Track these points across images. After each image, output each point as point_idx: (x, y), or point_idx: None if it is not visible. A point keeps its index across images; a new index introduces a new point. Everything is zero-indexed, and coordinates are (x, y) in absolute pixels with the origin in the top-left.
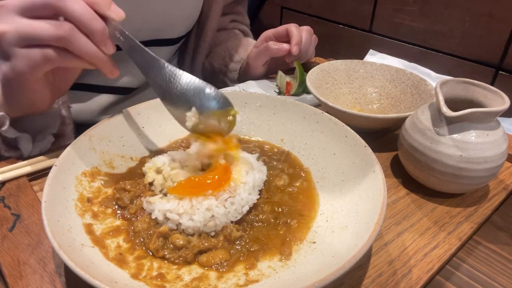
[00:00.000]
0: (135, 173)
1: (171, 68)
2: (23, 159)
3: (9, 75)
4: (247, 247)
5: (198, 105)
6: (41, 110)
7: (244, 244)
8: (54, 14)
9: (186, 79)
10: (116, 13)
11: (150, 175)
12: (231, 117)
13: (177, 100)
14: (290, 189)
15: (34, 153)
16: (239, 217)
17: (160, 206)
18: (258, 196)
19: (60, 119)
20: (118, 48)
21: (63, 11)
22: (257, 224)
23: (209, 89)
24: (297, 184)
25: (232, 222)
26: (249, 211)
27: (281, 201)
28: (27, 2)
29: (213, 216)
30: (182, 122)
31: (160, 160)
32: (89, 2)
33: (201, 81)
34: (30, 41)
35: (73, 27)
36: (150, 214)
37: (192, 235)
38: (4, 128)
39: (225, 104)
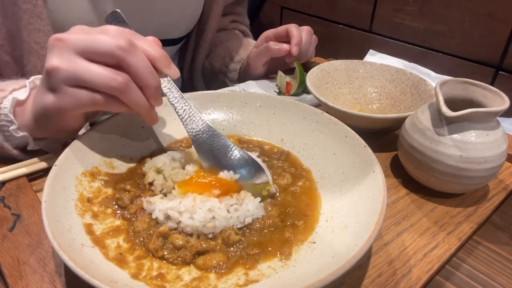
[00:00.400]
0: (135, 173)
1: (215, 131)
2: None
3: (51, 107)
4: (246, 251)
5: (236, 172)
6: (69, 135)
7: (243, 248)
8: (114, 63)
9: (236, 153)
10: (173, 71)
11: (150, 175)
12: (265, 191)
13: (213, 156)
14: (293, 189)
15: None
16: (239, 226)
17: (161, 205)
18: (264, 213)
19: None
20: None
21: (125, 64)
22: (265, 231)
23: (252, 162)
24: (300, 183)
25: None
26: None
27: (286, 201)
28: (91, 46)
29: (213, 217)
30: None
31: (160, 160)
32: (150, 58)
33: (245, 154)
34: (83, 84)
35: (128, 80)
36: (150, 214)
37: (191, 235)
38: (29, 147)
39: (263, 179)
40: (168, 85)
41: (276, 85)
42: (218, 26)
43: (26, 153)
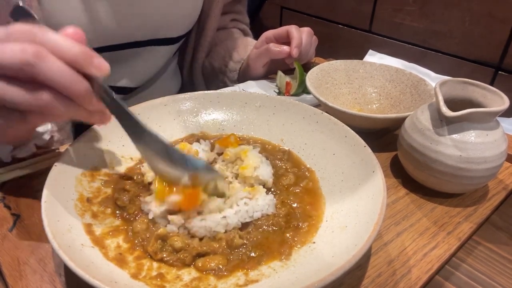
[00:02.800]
0: (135, 173)
1: (160, 138)
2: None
3: None
4: (247, 253)
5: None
6: (20, 142)
7: (244, 252)
8: (29, 78)
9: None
10: (100, 68)
11: (150, 175)
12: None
13: (164, 163)
14: (297, 190)
15: (9, 160)
16: (248, 220)
17: (157, 209)
18: (275, 210)
19: (48, 134)
20: (117, 48)
21: (40, 76)
22: (267, 228)
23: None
24: (303, 184)
25: (241, 223)
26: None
27: (290, 202)
28: None
29: (224, 217)
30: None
31: None
32: (68, 61)
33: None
34: (8, 106)
35: (51, 96)
36: (148, 214)
37: (193, 237)
38: None
39: (214, 173)
40: (100, 86)
41: (276, 85)
42: (218, 25)
43: None
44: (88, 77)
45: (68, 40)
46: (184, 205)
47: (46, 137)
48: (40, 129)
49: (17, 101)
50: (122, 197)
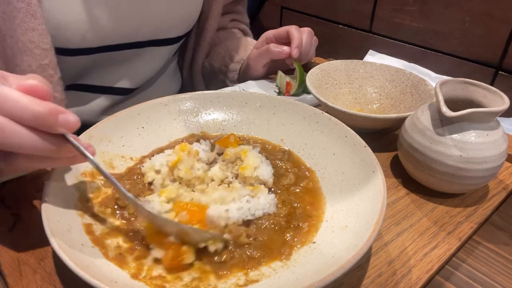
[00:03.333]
0: (135, 173)
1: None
2: None
3: None
4: (248, 253)
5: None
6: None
7: (247, 253)
8: None
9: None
10: (67, 126)
11: (150, 175)
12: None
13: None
14: (297, 189)
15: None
16: (249, 217)
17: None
18: (276, 210)
19: None
20: (116, 49)
21: (5, 147)
22: (267, 227)
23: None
24: (303, 184)
25: (243, 220)
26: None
27: (290, 201)
28: None
29: (227, 210)
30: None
31: (158, 161)
32: (30, 124)
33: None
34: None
35: (24, 160)
36: None
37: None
38: None
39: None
40: (74, 145)
41: (276, 85)
42: (217, 25)
43: None
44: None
45: (28, 101)
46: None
47: None
48: None
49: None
50: (122, 197)
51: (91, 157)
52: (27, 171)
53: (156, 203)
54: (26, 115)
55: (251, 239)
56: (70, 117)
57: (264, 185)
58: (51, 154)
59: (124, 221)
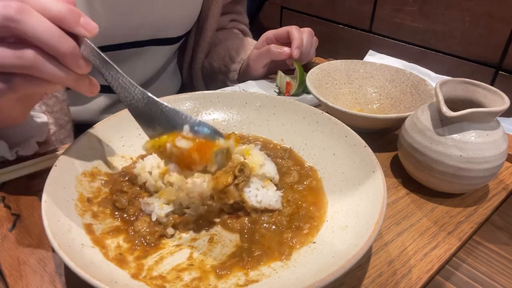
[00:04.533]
0: (133, 173)
1: (152, 97)
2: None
3: None
4: (248, 252)
5: (189, 127)
6: (14, 125)
7: (245, 249)
8: (13, 36)
9: (168, 107)
10: (87, 28)
11: (144, 176)
12: (224, 149)
13: (159, 122)
14: (300, 188)
15: (14, 157)
16: (255, 204)
17: (161, 211)
18: (281, 207)
19: (47, 127)
20: (116, 48)
21: (24, 34)
22: (267, 226)
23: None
24: (307, 182)
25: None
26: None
27: (295, 201)
28: None
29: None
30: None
31: (149, 162)
32: (54, 18)
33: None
34: None
35: (36, 55)
36: (149, 215)
37: None
38: None
39: (217, 133)
40: (88, 48)
41: (276, 85)
42: (217, 25)
43: None
44: (75, 37)
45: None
46: (194, 155)
47: (45, 129)
48: (37, 122)
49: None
50: (120, 199)
51: (102, 55)
52: (16, 111)
53: (156, 206)
54: (52, 10)
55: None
56: (89, 20)
57: (271, 181)
58: (68, 53)
59: (124, 222)
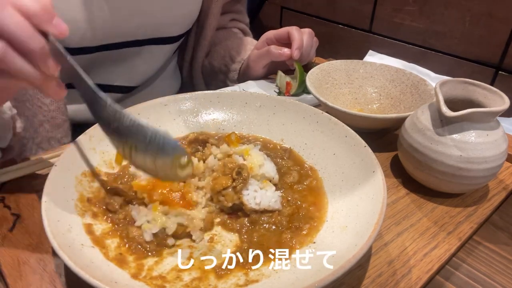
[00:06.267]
0: (130, 174)
1: (115, 107)
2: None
3: None
4: (248, 252)
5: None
6: None
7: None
8: None
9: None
10: (58, 28)
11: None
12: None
13: (127, 136)
14: (300, 188)
15: None
16: (254, 207)
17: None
18: (280, 208)
19: (11, 131)
20: (116, 47)
21: None
22: (267, 226)
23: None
24: (307, 182)
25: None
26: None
27: (295, 201)
28: None
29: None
30: (126, 157)
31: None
32: (26, 15)
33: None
34: None
35: (5, 47)
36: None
37: None
38: None
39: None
40: (56, 50)
41: (276, 85)
42: (217, 24)
43: None
44: (45, 36)
45: None
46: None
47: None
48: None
49: None
50: (113, 202)
51: (68, 57)
52: None
53: (144, 222)
54: (26, 6)
55: (247, 244)
56: (61, 22)
57: (270, 181)
58: (37, 50)
59: (114, 225)
